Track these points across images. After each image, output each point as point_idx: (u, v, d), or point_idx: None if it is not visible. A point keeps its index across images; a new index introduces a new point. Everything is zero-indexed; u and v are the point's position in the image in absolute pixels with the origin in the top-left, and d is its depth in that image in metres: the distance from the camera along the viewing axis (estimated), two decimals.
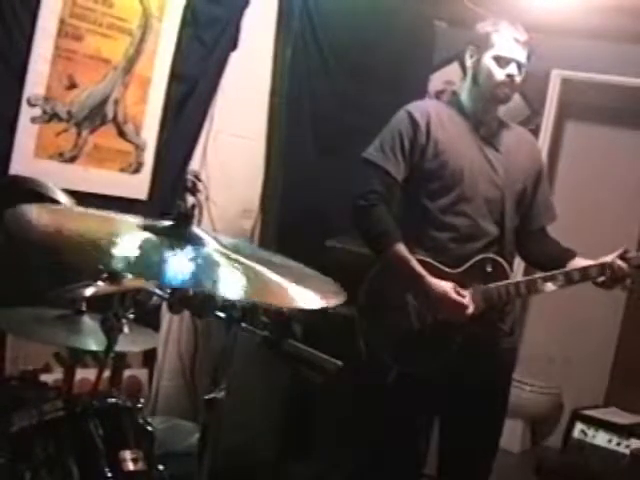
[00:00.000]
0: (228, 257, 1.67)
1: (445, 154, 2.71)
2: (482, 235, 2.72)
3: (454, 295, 2.62)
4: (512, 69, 2.71)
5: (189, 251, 1.63)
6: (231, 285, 1.56)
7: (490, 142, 2.79)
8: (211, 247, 1.68)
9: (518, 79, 2.73)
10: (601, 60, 4.36)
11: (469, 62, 2.79)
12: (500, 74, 2.71)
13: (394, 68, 4.38)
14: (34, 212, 1.70)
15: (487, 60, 2.72)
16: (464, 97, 2.82)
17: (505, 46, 2.71)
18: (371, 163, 2.72)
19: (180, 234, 1.66)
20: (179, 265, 1.56)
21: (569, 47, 4.34)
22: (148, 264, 1.57)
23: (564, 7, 4.03)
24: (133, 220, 1.75)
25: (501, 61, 2.71)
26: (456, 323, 2.63)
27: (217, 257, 1.65)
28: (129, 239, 1.63)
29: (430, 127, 2.72)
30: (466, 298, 2.64)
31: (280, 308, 1.63)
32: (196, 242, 1.67)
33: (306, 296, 1.66)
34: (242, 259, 1.69)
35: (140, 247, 1.59)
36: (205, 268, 1.59)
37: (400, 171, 2.71)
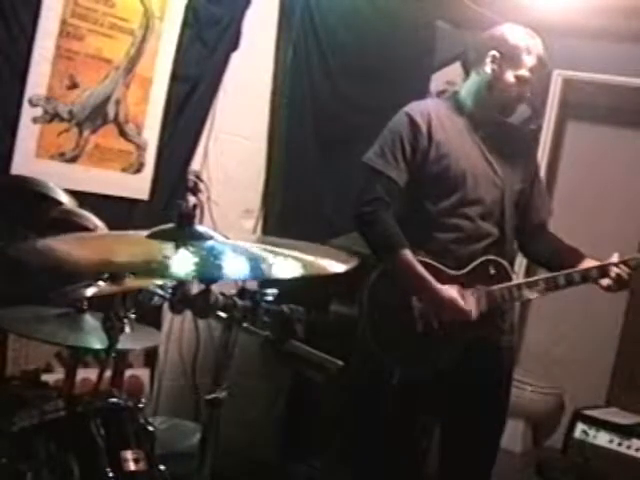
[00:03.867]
0: (259, 246, 1.71)
1: (447, 157, 2.70)
2: (483, 236, 2.72)
3: (461, 302, 2.62)
4: (528, 91, 2.72)
5: (230, 247, 1.67)
6: (282, 267, 1.62)
7: (489, 142, 2.78)
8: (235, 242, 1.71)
9: None
10: (602, 60, 4.37)
11: (488, 67, 2.71)
12: (516, 93, 2.70)
13: (395, 68, 4.37)
14: (59, 246, 1.71)
15: (510, 76, 2.68)
16: (465, 97, 2.80)
17: (532, 69, 2.68)
18: (373, 169, 2.70)
19: (191, 234, 1.67)
20: (231, 260, 1.61)
21: (570, 47, 4.34)
22: (208, 266, 1.61)
23: (565, 7, 4.03)
24: (141, 233, 1.76)
25: (522, 80, 2.69)
26: (459, 324, 2.64)
27: (251, 248, 1.69)
28: (172, 250, 1.65)
29: (431, 129, 2.70)
30: (470, 302, 2.64)
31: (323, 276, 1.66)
32: (211, 239, 1.68)
33: (332, 264, 1.71)
34: (264, 246, 1.72)
35: (189, 254, 1.62)
36: (251, 257, 1.64)
37: (402, 176, 2.69)
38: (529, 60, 2.68)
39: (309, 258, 1.69)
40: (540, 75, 2.74)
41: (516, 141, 2.88)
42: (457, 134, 2.74)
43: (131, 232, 1.86)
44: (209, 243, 1.65)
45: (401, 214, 2.72)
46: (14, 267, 1.75)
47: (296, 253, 1.70)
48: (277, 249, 1.71)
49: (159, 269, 1.61)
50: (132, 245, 1.77)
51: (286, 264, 1.63)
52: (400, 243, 2.64)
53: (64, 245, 1.73)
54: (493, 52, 2.71)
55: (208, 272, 1.60)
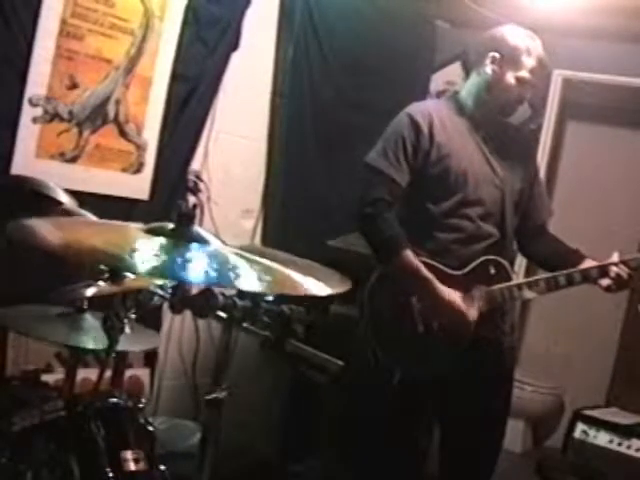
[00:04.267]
0: (239, 254, 1.69)
1: (448, 158, 2.69)
2: (484, 237, 2.72)
3: (462, 305, 2.62)
4: (528, 92, 2.72)
5: (205, 250, 1.65)
6: (251, 280, 1.60)
7: (489, 143, 2.77)
8: (220, 245, 1.70)
9: None
10: (602, 60, 4.37)
11: (488, 68, 2.71)
12: (516, 94, 2.70)
13: (395, 68, 4.37)
14: (43, 227, 1.71)
15: (510, 78, 2.68)
16: (466, 97, 2.80)
17: (532, 71, 2.67)
18: (375, 170, 2.70)
19: (186, 235, 1.67)
20: (199, 264, 1.59)
21: (570, 47, 4.34)
22: (170, 266, 1.60)
23: (564, 7, 4.03)
24: (137, 225, 1.75)
25: (522, 82, 2.69)
26: (455, 334, 2.64)
27: (230, 254, 1.67)
28: (144, 244, 1.64)
29: (433, 130, 2.69)
30: (471, 305, 2.64)
31: (298, 297, 1.64)
32: (203, 242, 1.67)
33: (317, 285, 1.68)
34: (251, 255, 1.70)
35: (158, 250, 1.61)
36: (223, 265, 1.62)
37: (404, 176, 2.69)
38: (529, 62, 2.68)
39: (290, 275, 1.68)
40: (540, 76, 2.74)
41: (516, 142, 2.88)
42: (458, 135, 2.74)
43: (116, 222, 1.87)
44: (188, 244, 1.65)
45: (402, 214, 2.72)
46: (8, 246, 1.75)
47: (280, 267, 1.69)
48: (259, 259, 1.70)
49: (120, 261, 1.61)
50: (109, 234, 1.77)
51: (255, 277, 1.61)
52: (402, 244, 2.64)
53: (47, 226, 1.73)
54: (493, 53, 2.71)
55: (167, 271, 1.60)
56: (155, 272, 1.59)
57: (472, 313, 2.64)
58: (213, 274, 1.58)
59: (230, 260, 1.64)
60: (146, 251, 1.60)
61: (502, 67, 2.70)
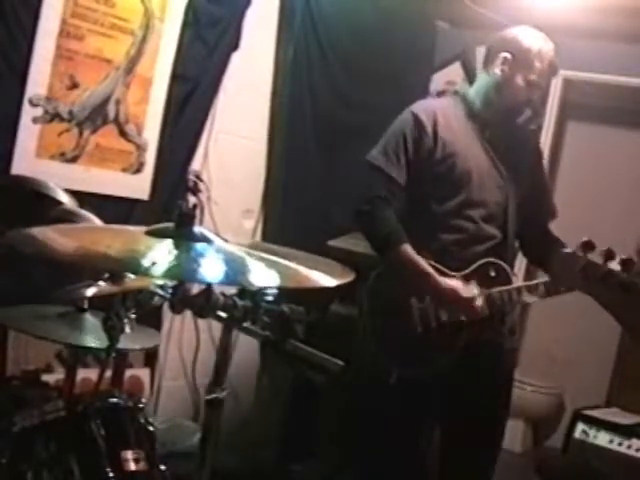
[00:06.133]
0: (247, 252, 1.69)
1: (453, 157, 2.68)
2: (485, 238, 2.71)
3: (463, 291, 2.61)
4: (536, 95, 2.71)
5: (214, 249, 1.65)
6: (262, 275, 1.60)
7: (495, 143, 2.76)
8: (227, 244, 1.70)
9: None
10: (602, 60, 4.37)
11: (498, 68, 2.69)
12: (525, 97, 2.69)
13: (396, 68, 4.38)
14: (50, 236, 1.70)
15: (520, 80, 2.67)
16: (474, 97, 2.77)
17: (542, 74, 2.67)
18: (374, 167, 2.70)
19: (192, 235, 1.66)
20: (212, 264, 1.59)
21: (570, 47, 4.31)
22: (185, 267, 1.59)
23: (565, 7, 4.03)
24: (138, 228, 1.75)
25: (531, 85, 2.68)
26: (466, 319, 2.63)
27: (238, 252, 1.67)
28: (154, 247, 1.64)
29: (437, 129, 2.68)
30: (473, 292, 2.63)
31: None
32: (208, 242, 1.67)
33: (323, 277, 1.69)
34: (256, 252, 1.71)
35: (170, 253, 1.61)
36: (236, 263, 1.62)
37: (404, 175, 2.68)
38: (540, 65, 2.65)
39: (298, 269, 1.68)
40: (550, 80, 2.73)
41: (522, 143, 2.86)
42: (464, 134, 2.73)
43: (117, 226, 1.86)
44: (196, 244, 1.64)
45: (405, 214, 2.71)
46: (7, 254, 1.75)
47: (286, 262, 1.69)
48: (266, 256, 1.70)
49: (131, 264, 1.60)
50: (114, 238, 1.77)
51: (267, 273, 1.61)
52: (400, 239, 2.63)
53: (48, 233, 1.73)
54: (505, 54, 2.69)
55: (181, 273, 1.59)
56: (171, 274, 1.58)
57: (474, 298, 2.62)
58: (227, 273, 1.58)
59: (241, 258, 1.65)
60: (158, 254, 1.59)
61: (512, 69, 2.68)
